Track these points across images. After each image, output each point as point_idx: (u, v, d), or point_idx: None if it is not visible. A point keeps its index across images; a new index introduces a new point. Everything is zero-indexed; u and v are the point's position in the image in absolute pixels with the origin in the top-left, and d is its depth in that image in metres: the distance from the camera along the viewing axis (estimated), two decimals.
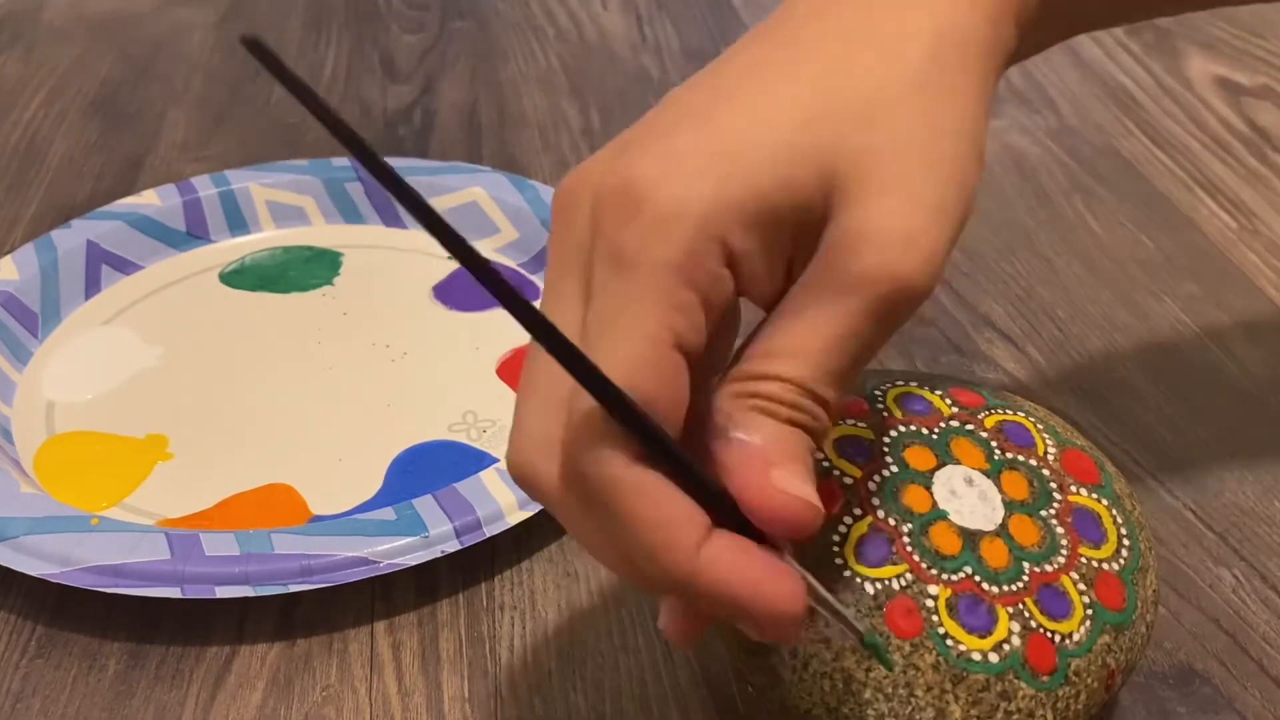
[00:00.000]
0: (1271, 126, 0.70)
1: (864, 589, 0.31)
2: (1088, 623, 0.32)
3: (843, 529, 0.32)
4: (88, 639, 0.39)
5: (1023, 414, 0.36)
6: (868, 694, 0.31)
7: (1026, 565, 0.32)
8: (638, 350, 0.25)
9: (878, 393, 0.36)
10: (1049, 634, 0.31)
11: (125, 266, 0.55)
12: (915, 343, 0.52)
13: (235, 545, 0.39)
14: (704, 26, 0.82)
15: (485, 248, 0.57)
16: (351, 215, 0.59)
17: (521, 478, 0.27)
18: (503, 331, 0.52)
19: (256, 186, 0.58)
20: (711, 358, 0.27)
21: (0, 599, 0.41)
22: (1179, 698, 0.37)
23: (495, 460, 0.45)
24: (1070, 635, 0.32)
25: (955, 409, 0.35)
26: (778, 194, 0.25)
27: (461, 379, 0.50)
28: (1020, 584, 0.32)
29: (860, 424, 0.34)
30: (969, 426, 0.35)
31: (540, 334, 0.24)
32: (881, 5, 0.27)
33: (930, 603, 0.31)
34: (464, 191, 0.58)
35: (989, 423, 0.35)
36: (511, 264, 0.56)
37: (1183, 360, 0.51)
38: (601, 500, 0.25)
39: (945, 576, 0.31)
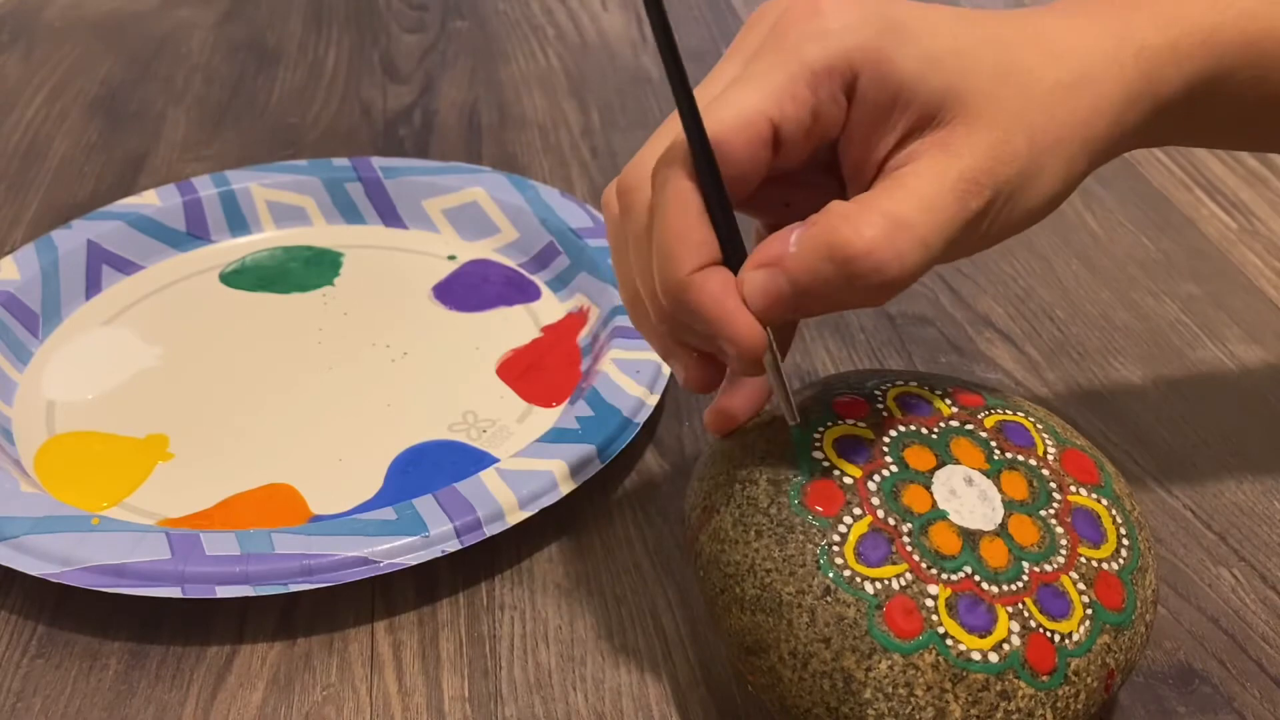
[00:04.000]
0: None
1: (864, 588, 0.31)
2: (1087, 623, 0.32)
3: (843, 529, 0.32)
4: (88, 639, 0.40)
5: (1022, 414, 0.36)
6: (868, 694, 0.31)
7: (1026, 565, 0.32)
8: (741, 112, 0.30)
9: (878, 393, 0.36)
10: (1049, 634, 0.31)
11: (126, 266, 0.55)
12: (915, 343, 0.52)
13: (235, 545, 0.39)
14: (704, 26, 0.82)
15: (485, 248, 0.57)
16: (352, 215, 0.59)
17: (621, 189, 0.32)
18: (503, 331, 0.52)
19: (257, 186, 0.58)
20: (791, 195, 0.34)
21: (1, 599, 0.41)
22: (1179, 697, 0.37)
23: (495, 460, 0.45)
24: (1070, 635, 0.32)
25: (955, 409, 0.35)
26: (912, 77, 0.30)
27: (461, 379, 0.50)
28: (1020, 584, 0.32)
29: (860, 424, 0.34)
30: (969, 426, 0.35)
31: (670, 66, 0.29)
32: (1083, 38, 0.32)
33: (930, 602, 0.31)
34: (464, 191, 0.58)
35: (989, 423, 0.35)
36: (512, 264, 0.56)
37: (1183, 360, 0.51)
38: (655, 200, 0.31)
39: (945, 576, 0.31)
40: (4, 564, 0.39)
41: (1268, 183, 0.64)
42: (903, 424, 0.35)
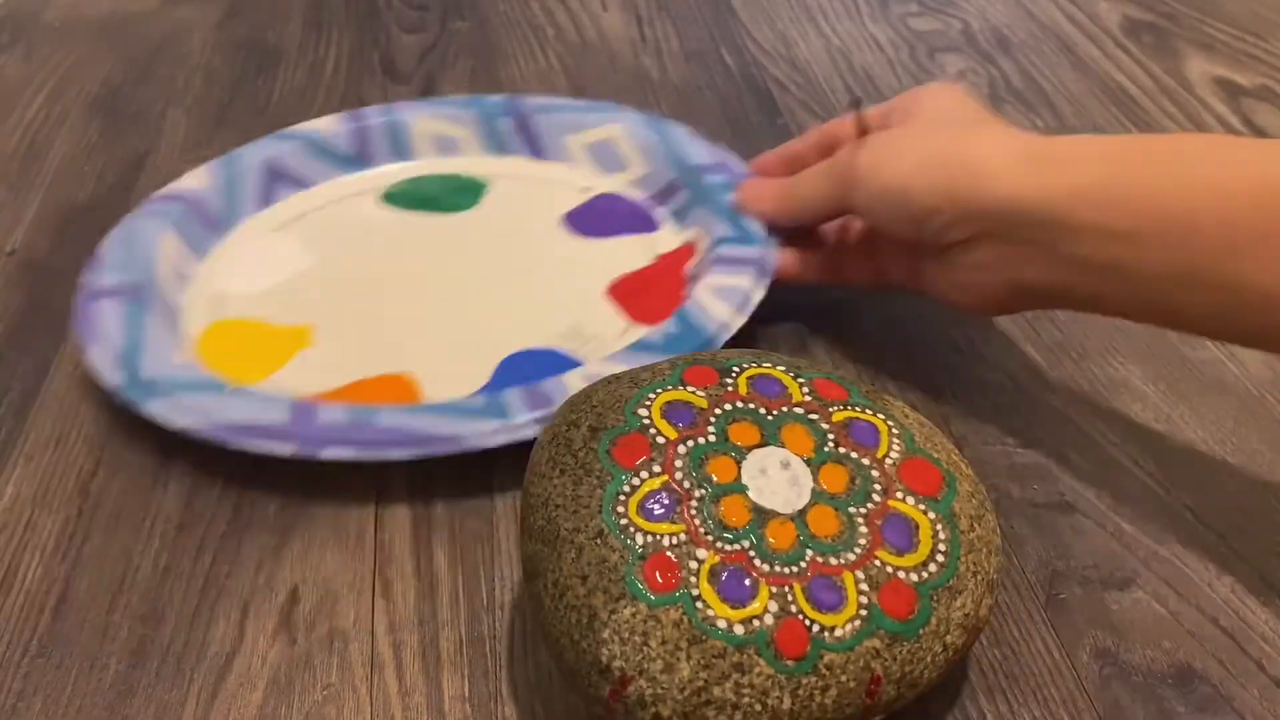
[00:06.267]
0: (1270, 127, 0.70)
1: (634, 539, 0.33)
2: (857, 622, 0.32)
3: (635, 482, 0.34)
4: (88, 639, 0.40)
5: (884, 417, 0.36)
6: (605, 634, 0.32)
7: (810, 553, 0.32)
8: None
9: (735, 369, 0.37)
10: (807, 621, 0.32)
11: (297, 183, 0.61)
12: (916, 343, 0.52)
13: (346, 416, 0.44)
14: (704, 27, 0.82)
15: (618, 181, 0.61)
16: (500, 147, 0.64)
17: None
18: (620, 257, 0.56)
19: (418, 117, 0.64)
20: None
21: (1, 599, 0.41)
22: (1178, 697, 0.37)
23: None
24: (832, 629, 0.32)
25: (809, 398, 0.36)
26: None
27: (574, 296, 0.54)
28: (795, 569, 0.32)
29: (698, 393, 0.36)
30: (812, 416, 0.36)
31: None
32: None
33: (694, 564, 0.32)
34: (603, 128, 0.62)
35: (838, 417, 0.36)
36: (639, 197, 0.60)
37: (1183, 360, 0.51)
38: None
39: (719, 545, 0.32)
40: (155, 416, 0.44)
41: None
42: (742, 401, 0.36)
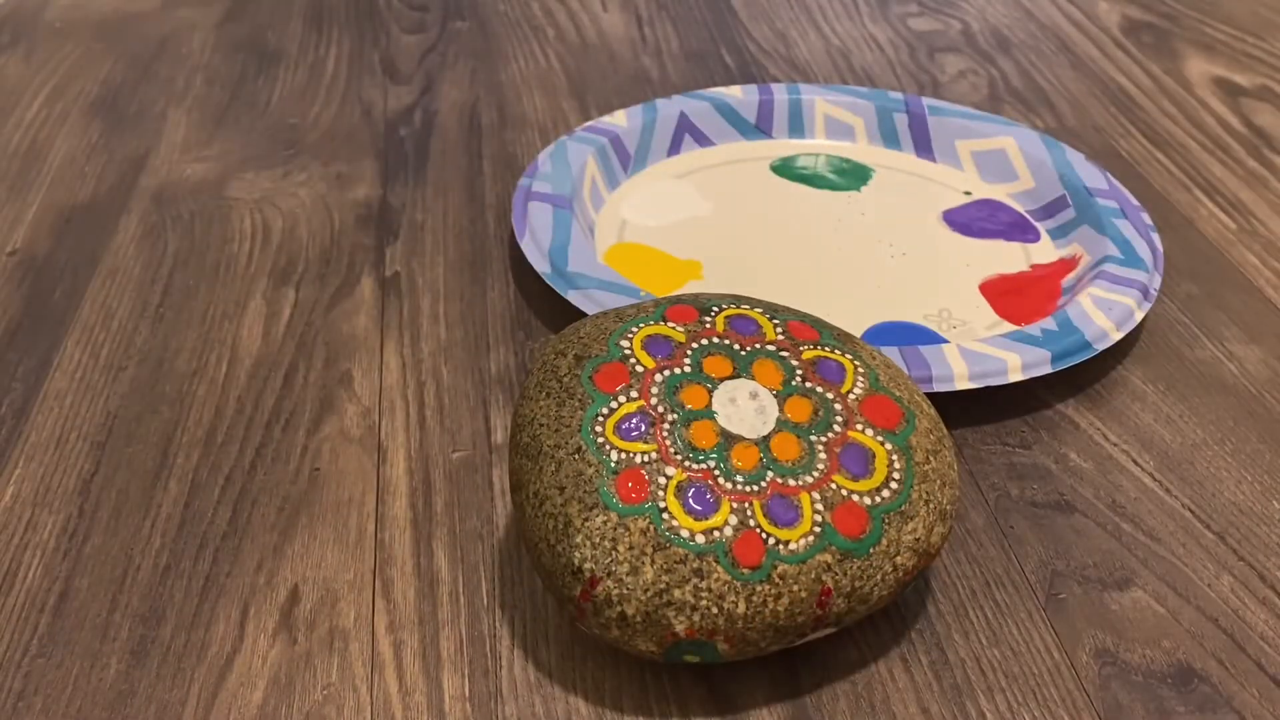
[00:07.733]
0: (1270, 127, 0.70)
1: (609, 455, 0.35)
2: (811, 538, 0.34)
3: (614, 405, 0.36)
4: (89, 638, 0.40)
5: (851, 356, 0.38)
6: (579, 539, 0.35)
7: (770, 474, 0.35)
8: None
9: (715, 308, 0.39)
10: (764, 535, 0.34)
11: (702, 139, 0.67)
12: None
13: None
14: (704, 27, 0.82)
15: (1000, 190, 0.63)
16: (891, 140, 0.67)
17: None
18: (995, 258, 0.58)
19: (820, 100, 0.68)
20: None
21: (1, 599, 0.41)
22: (1177, 697, 0.37)
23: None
24: (787, 543, 0.34)
25: (782, 337, 0.39)
26: None
27: (946, 283, 0.56)
28: (756, 487, 0.35)
29: (678, 328, 0.38)
30: (783, 353, 0.38)
31: None
32: None
33: (663, 480, 0.35)
34: (995, 139, 0.65)
35: (807, 355, 0.38)
36: (1020, 209, 0.61)
37: (1182, 360, 0.51)
38: None
39: (687, 464, 0.35)
40: (574, 304, 0.51)
41: (1267, 183, 0.64)
42: (719, 337, 0.38)
